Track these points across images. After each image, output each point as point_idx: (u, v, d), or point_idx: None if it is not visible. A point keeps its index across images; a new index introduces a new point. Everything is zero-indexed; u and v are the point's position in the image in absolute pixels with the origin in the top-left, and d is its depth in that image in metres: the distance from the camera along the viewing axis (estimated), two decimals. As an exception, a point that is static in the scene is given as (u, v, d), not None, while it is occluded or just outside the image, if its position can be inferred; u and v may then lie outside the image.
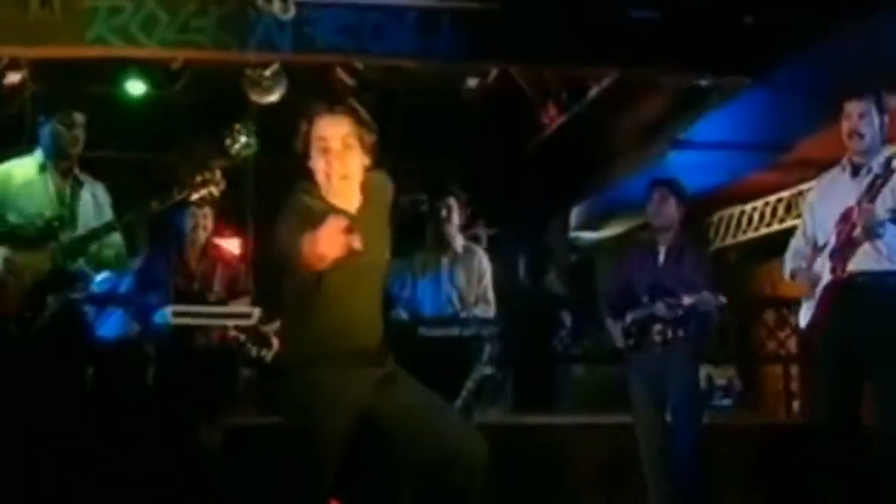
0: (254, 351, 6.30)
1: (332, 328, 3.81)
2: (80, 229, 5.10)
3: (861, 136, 5.02)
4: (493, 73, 9.13)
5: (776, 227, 11.11)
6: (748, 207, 11.92)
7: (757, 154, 9.88)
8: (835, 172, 5.23)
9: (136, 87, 9.32)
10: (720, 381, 10.57)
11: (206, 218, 6.39)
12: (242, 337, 6.29)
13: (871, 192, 4.90)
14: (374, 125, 3.86)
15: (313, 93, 8.40)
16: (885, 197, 4.89)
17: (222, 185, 5.17)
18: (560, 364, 9.58)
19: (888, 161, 4.92)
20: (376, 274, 3.98)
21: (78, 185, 5.22)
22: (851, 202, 4.96)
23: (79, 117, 5.23)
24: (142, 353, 6.01)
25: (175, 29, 7.57)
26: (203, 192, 5.12)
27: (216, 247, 6.55)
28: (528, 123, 9.88)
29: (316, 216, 3.59)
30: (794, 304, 5.78)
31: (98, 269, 5.23)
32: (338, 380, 3.78)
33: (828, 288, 5.05)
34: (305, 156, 3.83)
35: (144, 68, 9.09)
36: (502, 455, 4.27)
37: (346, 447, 3.82)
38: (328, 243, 3.44)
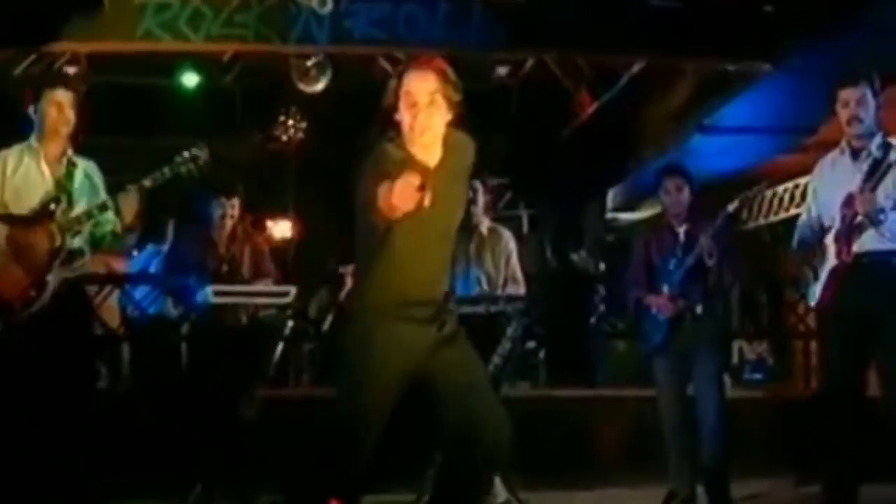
0: (293, 326, 6.28)
1: (393, 279, 3.73)
2: (77, 209, 4.99)
3: (860, 120, 4.98)
4: (529, 62, 9.09)
5: (806, 207, 10.93)
6: (779, 189, 11.72)
7: (782, 137, 9.78)
8: (834, 156, 5.16)
9: (190, 79, 9.43)
10: (751, 356, 10.47)
11: (234, 208, 6.35)
12: (283, 314, 6.29)
13: (873, 178, 4.88)
14: (460, 84, 3.78)
15: (356, 82, 8.46)
16: (886, 185, 4.87)
17: (208, 166, 5.12)
18: (596, 339, 9.48)
19: (887, 145, 4.92)
20: (445, 230, 3.86)
21: (72, 165, 5.09)
22: (854, 185, 4.92)
23: (66, 96, 5.04)
24: (179, 331, 5.99)
25: (220, 24, 7.71)
26: (190, 168, 5.06)
27: (245, 230, 6.52)
28: (563, 110, 9.80)
29: (395, 165, 3.57)
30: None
31: (95, 248, 5.12)
32: (394, 337, 3.71)
33: (834, 270, 5.00)
34: (393, 108, 3.74)
35: (198, 61, 9.17)
36: (528, 427, 4.24)
37: (393, 407, 3.74)
38: (401, 196, 3.41)
